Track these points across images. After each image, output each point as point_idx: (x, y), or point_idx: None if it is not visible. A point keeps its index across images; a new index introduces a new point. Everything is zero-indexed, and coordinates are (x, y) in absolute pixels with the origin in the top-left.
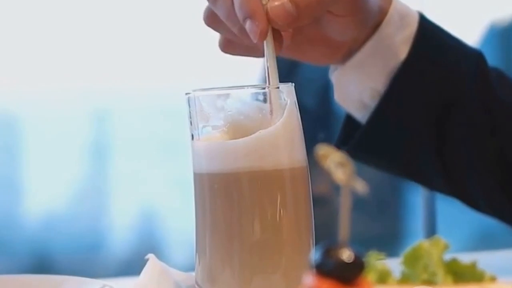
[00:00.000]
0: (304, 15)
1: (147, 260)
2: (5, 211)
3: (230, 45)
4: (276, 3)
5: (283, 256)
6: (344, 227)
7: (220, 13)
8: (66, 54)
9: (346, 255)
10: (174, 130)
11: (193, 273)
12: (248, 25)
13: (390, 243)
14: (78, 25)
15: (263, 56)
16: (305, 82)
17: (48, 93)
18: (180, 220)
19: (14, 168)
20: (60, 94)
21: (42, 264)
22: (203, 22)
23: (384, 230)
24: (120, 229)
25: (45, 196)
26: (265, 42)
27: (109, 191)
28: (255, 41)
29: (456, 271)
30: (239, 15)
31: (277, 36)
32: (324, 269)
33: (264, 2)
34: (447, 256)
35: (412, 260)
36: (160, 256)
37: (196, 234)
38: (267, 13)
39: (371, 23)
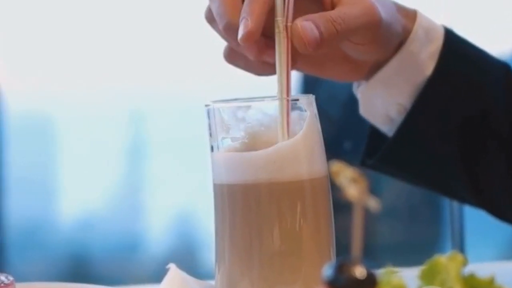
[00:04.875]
0: (325, 44)
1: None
2: (41, 213)
3: (233, 55)
4: (304, 23)
5: (303, 267)
6: (357, 242)
7: (213, 7)
8: (101, 55)
9: (359, 271)
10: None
11: (213, 282)
12: (241, 24)
13: (422, 250)
14: (114, 26)
15: (261, 74)
16: (332, 90)
17: (84, 94)
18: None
19: (50, 170)
20: (95, 95)
21: (79, 266)
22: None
23: (416, 237)
24: (157, 230)
25: (81, 198)
26: (276, 51)
27: (145, 192)
28: (239, 41)
29: (474, 287)
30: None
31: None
32: (336, 285)
33: (282, 21)
34: (474, 267)
35: (429, 275)
36: (196, 257)
37: (216, 244)
38: (292, 31)
39: (395, 43)
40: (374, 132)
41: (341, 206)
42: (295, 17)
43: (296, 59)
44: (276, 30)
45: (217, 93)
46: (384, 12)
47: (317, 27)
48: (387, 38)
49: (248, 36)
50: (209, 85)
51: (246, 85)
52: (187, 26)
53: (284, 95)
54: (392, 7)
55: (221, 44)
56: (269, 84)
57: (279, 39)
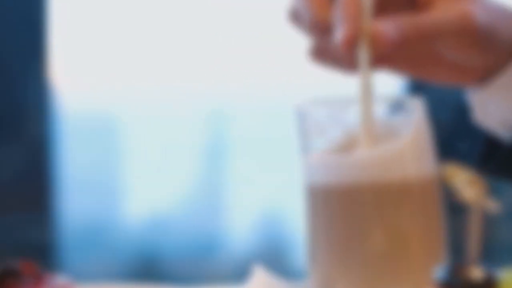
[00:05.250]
0: (402, 46)
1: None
2: (105, 213)
3: (320, 53)
4: (383, 23)
5: (410, 270)
6: (474, 245)
7: (299, 2)
8: (178, 53)
9: (475, 273)
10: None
11: (303, 284)
12: (337, 30)
13: None
14: (192, 25)
15: (350, 72)
16: (445, 92)
17: (155, 93)
18: (301, 222)
19: (116, 170)
20: (169, 94)
21: (149, 267)
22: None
23: None
24: (237, 230)
25: (152, 198)
26: (358, 51)
27: (226, 192)
28: (340, 49)
29: None
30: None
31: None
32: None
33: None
34: None
35: None
36: (280, 259)
37: (309, 246)
38: (371, 30)
39: (508, 48)
40: (491, 137)
41: (458, 209)
42: (387, 17)
43: (388, 59)
44: None
45: (299, 93)
46: (486, 17)
47: (396, 29)
48: (492, 43)
49: (347, 41)
50: (293, 84)
51: (329, 85)
52: (273, 22)
53: (365, 95)
54: (502, 12)
55: (305, 42)
56: (352, 84)
57: (360, 38)
